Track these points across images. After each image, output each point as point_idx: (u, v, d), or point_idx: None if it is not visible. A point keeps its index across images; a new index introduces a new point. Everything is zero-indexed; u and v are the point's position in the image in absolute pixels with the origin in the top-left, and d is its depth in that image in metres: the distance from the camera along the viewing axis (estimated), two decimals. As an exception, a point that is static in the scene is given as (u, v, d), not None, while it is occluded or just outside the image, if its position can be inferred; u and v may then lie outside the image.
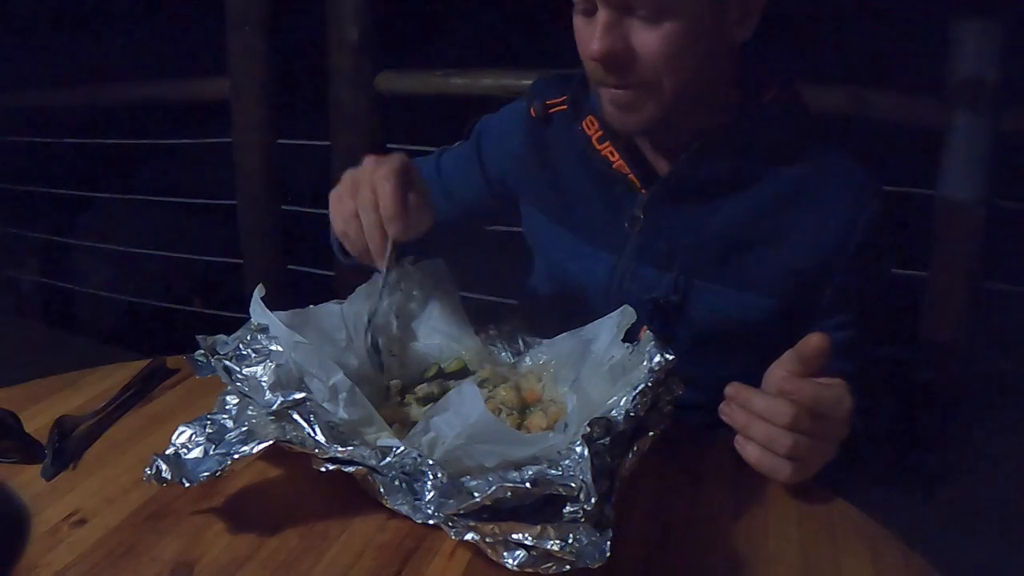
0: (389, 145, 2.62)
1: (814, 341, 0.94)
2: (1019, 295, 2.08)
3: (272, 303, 1.01)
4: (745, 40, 1.12)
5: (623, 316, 1.04)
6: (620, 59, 1.06)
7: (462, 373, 1.12)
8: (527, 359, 1.15)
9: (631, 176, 1.21)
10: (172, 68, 3.09)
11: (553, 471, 0.78)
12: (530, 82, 2.30)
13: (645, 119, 1.12)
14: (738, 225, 1.18)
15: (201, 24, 2.91)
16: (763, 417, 0.94)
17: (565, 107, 1.29)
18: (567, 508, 0.76)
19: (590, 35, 1.07)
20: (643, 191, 1.21)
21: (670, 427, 0.97)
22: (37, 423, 1.05)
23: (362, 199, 1.02)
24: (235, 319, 1.05)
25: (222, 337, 1.02)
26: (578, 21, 1.11)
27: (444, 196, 1.44)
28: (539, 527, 0.75)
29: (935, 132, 1.99)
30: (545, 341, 1.15)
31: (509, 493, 0.76)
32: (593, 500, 0.74)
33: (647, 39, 1.04)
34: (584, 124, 1.24)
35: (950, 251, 2.04)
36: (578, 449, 0.78)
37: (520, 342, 1.18)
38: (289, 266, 2.86)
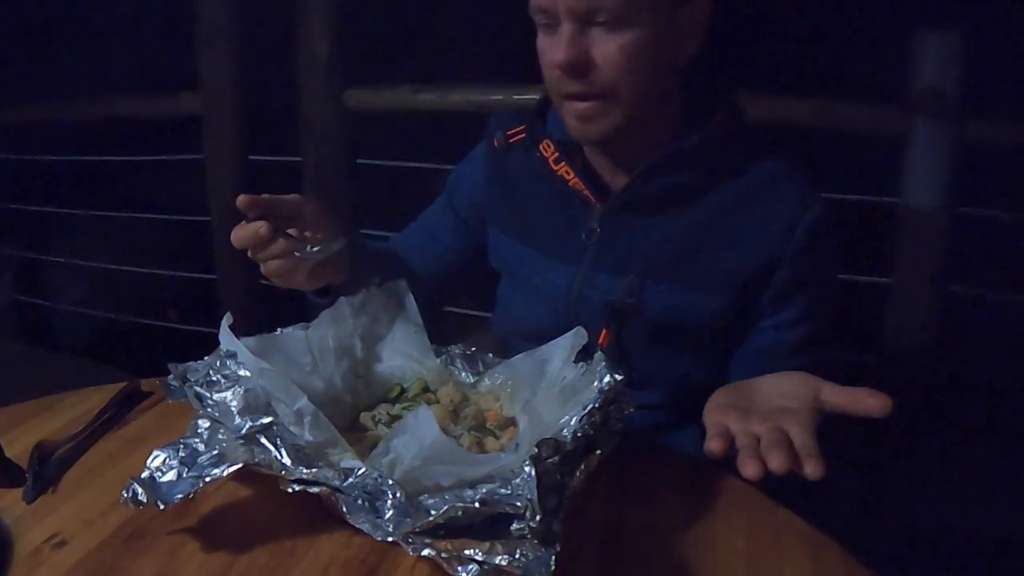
0: (360, 161, 2.66)
1: (880, 401, 0.95)
2: (982, 299, 2.14)
3: (245, 319, 1.06)
4: (688, 59, 1.19)
5: (576, 337, 1.09)
6: (582, 67, 1.13)
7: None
8: (486, 379, 1.20)
9: (586, 192, 1.28)
10: (144, 84, 3.12)
11: (503, 490, 0.83)
12: (497, 96, 2.36)
13: (605, 128, 1.18)
14: (687, 232, 1.25)
15: (172, 40, 2.93)
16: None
17: (524, 135, 1.35)
18: (514, 525, 0.81)
19: (553, 48, 1.14)
20: (599, 205, 1.28)
21: (623, 443, 1.02)
22: (17, 447, 1.09)
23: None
24: (209, 334, 1.10)
25: (193, 364, 1.07)
26: (541, 39, 1.18)
27: (435, 244, 1.54)
28: (488, 543, 0.81)
29: (899, 141, 2.04)
30: (503, 361, 1.20)
31: (460, 512, 0.82)
32: (538, 517, 0.80)
33: (607, 48, 1.12)
34: (542, 147, 1.31)
35: (914, 257, 2.09)
36: (526, 469, 0.83)
37: (480, 363, 1.23)
38: (262, 281, 2.88)
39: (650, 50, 1.13)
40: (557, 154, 1.30)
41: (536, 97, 1.38)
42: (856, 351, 2.18)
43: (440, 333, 1.28)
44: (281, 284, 1.20)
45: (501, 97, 2.36)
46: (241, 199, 1.09)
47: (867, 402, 0.95)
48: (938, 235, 2.05)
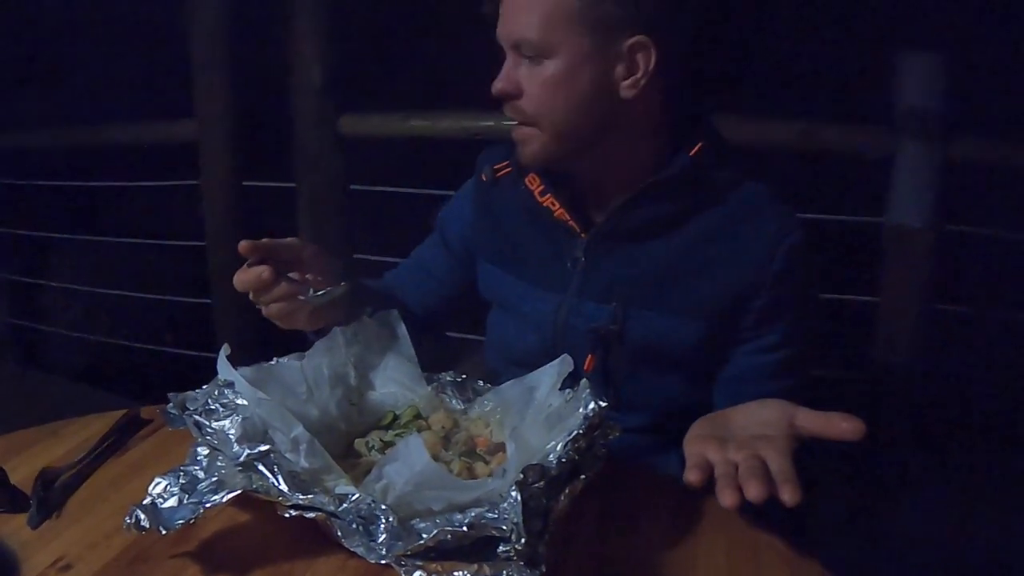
0: (353, 187, 2.69)
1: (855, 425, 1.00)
2: (968, 316, 2.18)
3: (241, 343, 1.10)
4: (640, 92, 1.23)
5: (563, 365, 1.13)
6: (511, 96, 1.22)
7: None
8: (476, 406, 1.24)
9: (571, 223, 1.33)
10: (141, 111, 3.16)
11: (491, 514, 0.87)
12: (488, 123, 2.40)
13: (536, 153, 1.26)
14: (669, 260, 1.30)
15: (168, 67, 2.97)
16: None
17: (511, 169, 1.41)
18: (501, 548, 0.86)
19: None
20: (583, 236, 1.33)
21: (610, 467, 1.06)
22: (21, 473, 1.12)
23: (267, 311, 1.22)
24: (205, 358, 1.14)
25: (192, 393, 1.11)
26: None
27: (430, 280, 1.58)
28: (476, 565, 0.85)
29: (884, 162, 2.09)
30: (493, 388, 1.24)
31: (449, 535, 0.86)
32: (523, 540, 0.84)
33: (529, 78, 1.21)
34: (527, 180, 1.36)
35: (900, 276, 2.14)
36: (512, 494, 0.87)
37: (470, 389, 1.27)
38: (258, 305, 2.92)
39: (572, 83, 1.20)
40: (543, 186, 1.34)
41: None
42: (845, 369, 2.21)
43: (435, 356, 1.32)
44: (283, 326, 1.24)
45: (492, 123, 2.41)
46: (242, 245, 1.14)
47: (840, 426, 1.00)
48: (924, 254, 2.09)
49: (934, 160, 2.04)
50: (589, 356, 1.32)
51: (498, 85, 1.23)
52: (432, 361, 1.31)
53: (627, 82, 1.21)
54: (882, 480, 2.21)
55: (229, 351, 1.10)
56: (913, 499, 2.21)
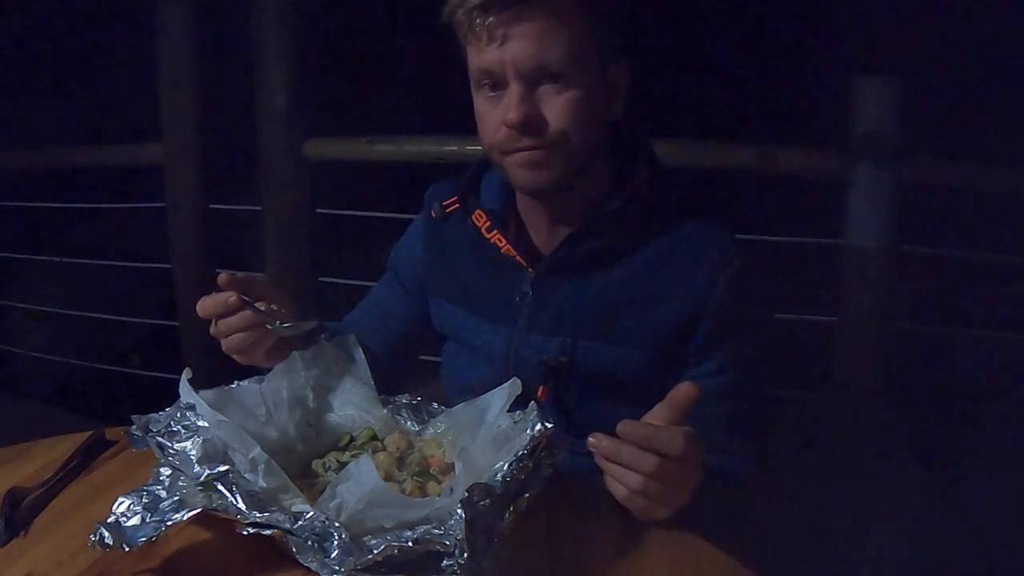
0: (319, 210, 2.73)
1: (683, 390, 1.09)
2: (925, 335, 2.24)
3: (207, 365, 1.14)
4: (616, 115, 1.30)
5: (512, 388, 1.18)
6: (534, 123, 1.22)
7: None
8: (429, 428, 1.29)
9: (518, 258, 1.37)
10: (108, 133, 3.18)
11: (436, 530, 0.93)
12: (451, 148, 2.45)
13: (555, 175, 1.26)
14: (614, 291, 1.34)
15: (136, 91, 3.01)
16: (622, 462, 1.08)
17: (458, 205, 1.44)
18: (444, 562, 0.91)
19: (503, 108, 1.23)
20: (530, 270, 1.37)
21: (557, 487, 1.11)
22: (-12, 494, 1.15)
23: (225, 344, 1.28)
24: (172, 380, 1.18)
25: (154, 415, 1.15)
26: (481, 101, 1.27)
27: (388, 319, 1.61)
28: (422, 578, 0.91)
29: (840, 185, 2.16)
30: (446, 410, 1.29)
31: (396, 551, 0.91)
32: (467, 555, 0.89)
33: (556, 104, 1.22)
34: (473, 217, 1.40)
35: (857, 296, 2.21)
36: (458, 511, 0.92)
37: (424, 411, 1.32)
38: (218, 336, 2.94)
39: (590, 104, 1.23)
40: (489, 223, 1.38)
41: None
42: (804, 388, 2.26)
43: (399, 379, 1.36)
44: (241, 360, 1.29)
45: (455, 148, 2.47)
46: (221, 278, 1.20)
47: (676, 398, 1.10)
48: (881, 273, 2.16)
49: (889, 182, 2.12)
50: (541, 387, 1.36)
51: (519, 112, 1.20)
52: (395, 383, 1.36)
53: (615, 103, 1.29)
54: (836, 495, 2.26)
55: (191, 374, 1.15)
56: (864, 513, 2.26)
